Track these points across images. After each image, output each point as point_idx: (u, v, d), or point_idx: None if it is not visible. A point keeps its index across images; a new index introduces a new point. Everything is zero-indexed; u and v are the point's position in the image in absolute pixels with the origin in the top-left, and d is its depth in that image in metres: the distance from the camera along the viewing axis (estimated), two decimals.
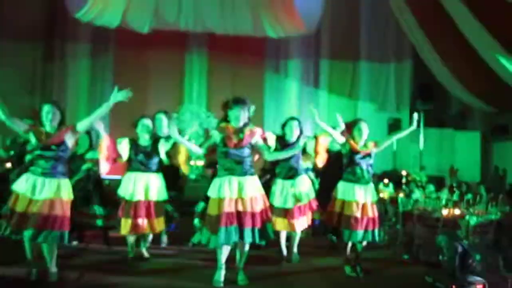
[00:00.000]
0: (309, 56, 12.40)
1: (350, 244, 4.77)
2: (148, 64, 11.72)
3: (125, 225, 4.82)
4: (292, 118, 5.30)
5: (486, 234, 5.75)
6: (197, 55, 12.08)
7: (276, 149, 5.12)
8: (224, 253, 4.19)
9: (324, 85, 12.45)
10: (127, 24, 10.35)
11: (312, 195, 5.21)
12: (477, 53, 9.67)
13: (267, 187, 5.00)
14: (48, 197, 4.05)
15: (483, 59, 9.69)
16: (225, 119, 4.31)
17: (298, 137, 5.19)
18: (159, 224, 4.98)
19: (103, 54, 11.77)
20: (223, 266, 4.21)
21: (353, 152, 4.76)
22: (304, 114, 12.25)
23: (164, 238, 5.74)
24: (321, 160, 5.27)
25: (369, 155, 4.82)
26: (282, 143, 5.16)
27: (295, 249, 5.30)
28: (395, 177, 10.07)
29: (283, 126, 5.29)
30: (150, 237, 5.19)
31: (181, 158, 5.17)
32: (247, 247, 4.26)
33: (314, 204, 5.22)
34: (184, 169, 5.33)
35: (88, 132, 5.97)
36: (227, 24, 10.65)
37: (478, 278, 4.24)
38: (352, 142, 4.81)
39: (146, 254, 5.12)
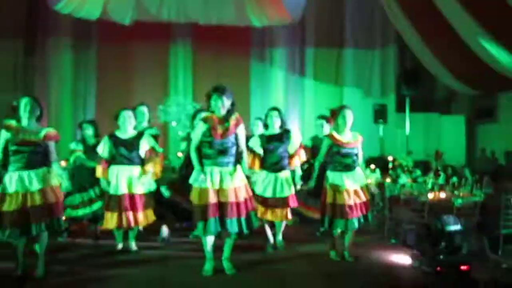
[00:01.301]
0: (294, 44, 12.35)
1: (339, 231, 4.80)
2: (132, 56, 11.57)
3: (111, 219, 4.81)
4: (272, 109, 5.30)
5: (471, 216, 5.84)
6: (181, 46, 11.96)
7: (262, 145, 5.14)
8: (209, 242, 4.21)
9: (310, 73, 12.44)
10: (109, 16, 10.18)
11: (293, 190, 5.21)
12: (461, 37, 9.71)
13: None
14: (39, 188, 4.03)
15: (467, 43, 9.74)
16: (209, 109, 4.29)
17: (281, 128, 5.20)
18: (147, 217, 4.96)
19: (86, 48, 11.58)
20: (212, 256, 4.23)
21: (338, 145, 4.76)
22: (290, 103, 12.28)
23: (165, 233, 5.65)
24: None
25: (355, 147, 4.83)
26: (267, 136, 5.17)
27: (279, 236, 5.33)
28: (382, 163, 10.14)
29: (266, 117, 5.30)
30: (137, 230, 5.18)
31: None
32: (233, 236, 4.28)
33: (294, 200, 5.21)
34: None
35: (94, 124, 5.89)
36: (211, 14, 10.54)
37: (463, 260, 4.30)
38: (336, 136, 4.80)
39: (134, 247, 5.12)
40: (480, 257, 5.07)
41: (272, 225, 5.49)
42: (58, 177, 4.26)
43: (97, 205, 5.43)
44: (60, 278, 4.18)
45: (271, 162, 5.11)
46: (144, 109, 5.74)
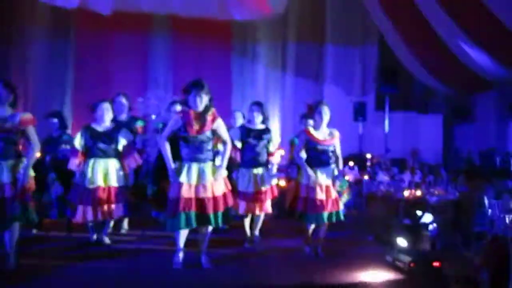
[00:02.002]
0: (275, 40, 12.34)
1: (312, 226, 4.82)
2: (111, 47, 11.36)
3: (85, 212, 4.72)
4: (254, 103, 5.28)
5: (445, 213, 5.93)
6: (161, 37, 11.79)
7: (242, 137, 5.12)
8: (182, 236, 4.17)
9: (291, 68, 12.45)
10: (87, 5, 9.98)
11: (272, 182, 5.23)
12: (440, 38, 9.85)
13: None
14: (11, 180, 3.91)
15: (446, 44, 9.88)
16: (186, 103, 4.23)
17: (263, 123, 5.19)
18: (120, 210, 4.89)
19: (63, 37, 11.31)
20: (182, 249, 4.19)
21: (314, 141, 4.77)
22: (271, 98, 12.27)
23: (125, 224, 5.66)
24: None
25: (331, 144, 4.83)
26: (247, 129, 5.16)
27: (256, 232, 5.34)
28: (360, 160, 10.24)
29: (248, 111, 5.29)
30: (111, 223, 5.11)
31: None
32: (209, 231, 4.26)
33: (275, 191, 5.27)
34: None
35: (60, 115, 5.80)
36: (192, 5, 10.43)
37: (436, 256, 4.36)
38: (312, 132, 4.80)
39: (107, 240, 5.04)
40: (453, 254, 5.16)
41: (252, 220, 5.52)
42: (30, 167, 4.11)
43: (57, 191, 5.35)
44: (31, 270, 4.08)
45: (250, 156, 5.10)
46: (122, 99, 5.63)
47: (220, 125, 4.25)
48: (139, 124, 5.72)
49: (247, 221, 5.33)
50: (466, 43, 9.41)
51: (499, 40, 8.68)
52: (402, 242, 4.58)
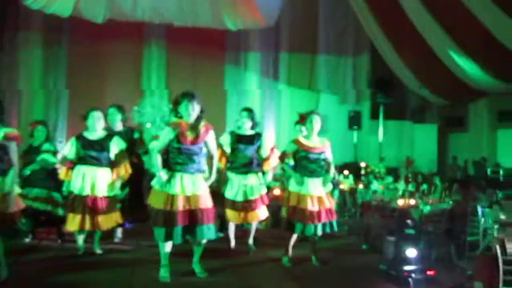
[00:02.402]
0: (268, 49, 12.42)
1: (295, 236, 4.74)
2: (105, 55, 11.38)
3: (73, 221, 4.67)
4: (244, 109, 5.25)
5: (439, 223, 5.93)
6: (155, 46, 11.85)
7: (231, 143, 5.10)
8: (167, 249, 4.08)
9: (284, 77, 12.53)
10: (81, 13, 9.99)
11: (264, 190, 5.18)
12: (432, 49, 9.94)
13: None
14: None
15: (437, 55, 9.98)
16: (177, 115, 4.20)
17: (253, 129, 5.17)
18: (108, 220, 4.83)
19: (57, 45, 11.34)
20: (168, 262, 4.09)
21: (305, 150, 4.76)
22: (266, 106, 12.31)
23: (118, 233, 5.61)
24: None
25: (322, 152, 4.81)
26: (237, 135, 5.14)
27: (250, 241, 5.30)
28: (355, 169, 10.25)
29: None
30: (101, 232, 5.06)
31: (125, 172, 5.02)
32: (203, 241, 4.21)
33: (266, 199, 5.20)
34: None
35: (45, 124, 5.79)
36: (186, 15, 10.48)
37: (430, 265, 4.35)
38: (302, 141, 4.80)
39: (98, 250, 4.98)
40: (447, 263, 5.15)
41: (241, 228, 5.47)
42: (15, 183, 4.04)
43: (61, 211, 5.33)
44: (24, 280, 4.03)
45: (240, 163, 5.07)
46: (115, 110, 5.62)
47: (211, 138, 4.23)
48: (137, 136, 5.68)
49: (231, 229, 5.27)
50: (457, 53, 9.51)
51: (488, 51, 8.77)
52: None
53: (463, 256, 5.72)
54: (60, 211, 5.42)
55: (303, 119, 4.87)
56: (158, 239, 4.06)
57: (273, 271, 4.63)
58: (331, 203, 4.79)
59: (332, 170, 4.91)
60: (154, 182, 4.11)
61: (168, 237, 3.97)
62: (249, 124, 5.12)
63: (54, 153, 5.66)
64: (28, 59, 11.20)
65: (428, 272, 4.20)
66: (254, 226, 5.26)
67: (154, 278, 4.15)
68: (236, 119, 5.88)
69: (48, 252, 5.08)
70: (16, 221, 4.03)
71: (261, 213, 5.15)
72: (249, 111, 5.21)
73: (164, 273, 4.08)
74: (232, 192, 5.06)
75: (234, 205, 5.05)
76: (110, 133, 5.02)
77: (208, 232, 4.06)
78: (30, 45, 11.19)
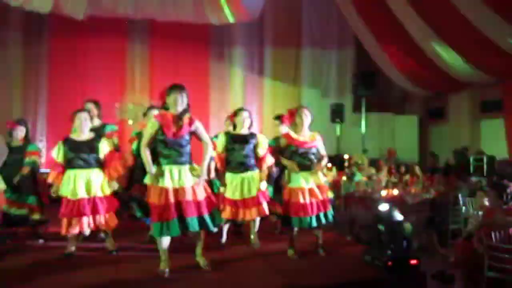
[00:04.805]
0: (252, 44, 12.39)
1: (296, 229, 4.85)
2: (86, 52, 11.20)
3: (69, 224, 4.65)
4: (241, 109, 5.33)
5: (421, 212, 6.06)
6: (138, 42, 11.70)
7: (227, 144, 5.12)
8: (165, 243, 4.14)
9: (268, 72, 12.51)
10: (61, 10, 9.80)
11: (264, 186, 5.21)
12: (414, 40, 10.05)
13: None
14: None
15: (420, 46, 10.10)
16: (163, 106, 4.23)
17: (249, 128, 5.23)
18: (108, 220, 4.83)
19: (37, 43, 11.11)
20: (167, 257, 4.16)
21: (295, 144, 4.82)
22: (249, 102, 12.30)
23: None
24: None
25: (312, 146, 4.88)
26: (232, 135, 5.17)
27: (252, 236, 5.36)
28: (338, 161, 10.33)
29: (233, 117, 5.29)
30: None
31: (118, 172, 4.99)
32: (202, 234, 4.25)
33: (267, 195, 5.25)
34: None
35: (25, 124, 5.74)
36: (168, 10, 10.36)
37: (413, 254, 4.44)
38: (292, 136, 4.85)
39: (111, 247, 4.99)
40: (429, 251, 5.27)
41: (240, 224, 5.55)
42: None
43: (37, 216, 5.32)
44: (10, 281, 3.99)
45: (237, 162, 5.11)
46: (90, 105, 5.60)
47: (198, 127, 4.24)
48: (110, 130, 5.70)
49: (226, 227, 5.36)
50: (438, 44, 9.64)
51: (469, 41, 8.92)
52: (379, 241, 4.62)
53: (445, 244, 5.85)
54: (36, 216, 5.41)
55: (292, 114, 4.93)
56: (154, 234, 4.09)
57: (258, 266, 4.68)
58: (324, 195, 4.87)
59: (324, 161, 4.96)
60: (146, 179, 4.14)
61: (163, 231, 4.00)
62: (248, 123, 5.20)
63: (39, 154, 5.63)
64: (7, 57, 10.97)
65: (412, 261, 4.29)
66: (256, 222, 5.32)
67: (139, 275, 4.17)
68: (226, 118, 5.95)
69: (32, 253, 5.03)
70: None
71: (262, 209, 5.16)
72: (248, 111, 5.31)
73: (163, 268, 4.10)
74: (230, 191, 5.09)
75: (232, 203, 5.07)
76: (97, 134, 5.01)
77: (197, 224, 4.09)
78: (9, 43, 10.96)
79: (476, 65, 9.56)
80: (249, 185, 5.09)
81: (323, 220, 4.82)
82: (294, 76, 12.67)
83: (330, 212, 4.92)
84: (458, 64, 9.82)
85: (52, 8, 9.73)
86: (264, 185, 5.17)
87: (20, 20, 10.86)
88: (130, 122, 10.72)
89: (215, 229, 4.28)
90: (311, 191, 4.78)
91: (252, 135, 5.22)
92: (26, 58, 11.11)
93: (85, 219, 4.65)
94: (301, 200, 4.71)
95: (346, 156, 10.05)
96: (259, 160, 5.20)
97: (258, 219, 5.32)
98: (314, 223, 4.77)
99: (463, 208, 6.04)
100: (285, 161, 4.85)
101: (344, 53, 12.82)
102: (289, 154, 4.84)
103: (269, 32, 12.36)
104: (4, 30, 10.86)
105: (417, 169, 8.35)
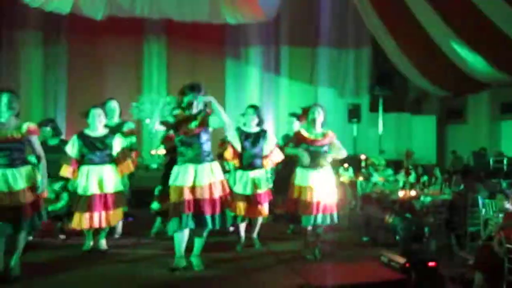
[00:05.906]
0: (269, 43, 12.37)
1: (310, 228, 4.83)
2: (104, 52, 11.37)
3: (80, 220, 4.71)
4: (250, 106, 5.27)
5: (440, 214, 5.96)
6: (155, 42, 11.82)
7: (239, 137, 5.11)
8: (182, 240, 4.16)
9: (285, 71, 12.49)
10: (80, 10, 9.95)
11: (269, 185, 5.23)
12: (433, 40, 9.92)
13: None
14: (24, 187, 3.89)
15: (439, 46, 9.96)
16: (180, 105, 4.25)
17: (258, 125, 5.18)
18: (116, 216, 4.88)
19: (56, 42, 11.31)
20: (183, 254, 4.19)
21: (306, 143, 4.79)
22: (265, 101, 12.29)
23: (119, 229, 5.64)
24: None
25: (324, 144, 4.85)
26: (243, 132, 5.16)
27: (254, 235, 5.34)
28: (355, 162, 10.25)
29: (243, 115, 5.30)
30: (108, 228, 5.10)
31: (129, 168, 5.03)
32: (205, 234, 4.27)
33: (270, 195, 5.23)
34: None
35: (53, 122, 5.77)
36: (185, 10, 10.43)
37: (431, 256, 4.38)
38: (303, 134, 4.83)
39: (104, 246, 5.02)
40: (448, 254, 5.19)
41: (249, 224, 5.52)
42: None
43: (61, 203, 5.33)
44: (31, 278, 4.06)
45: (247, 159, 5.09)
46: (113, 104, 5.67)
47: (213, 120, 4.20)
48: (128, 128, 5.76)
49: (243, 225, 5.31)
50: (458, 44, 9.50)
51: (491, 42, 8.76)
52: (397, 242, 4.59)
53: (464, 246, 5.76)
54: (59, 204, 5.42)
55: (306, 112, 4.90)
56: (169, 232, 4.12)
57: (272, 265, 4.67)
58: (332, 196, 4.83)
59: (341, 153, 4.91)
60: (170, 180, 4.20)
61: (177, 226, 4.03)
62: (255, 121, 5.12)
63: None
64: (27, 57, 11.16)
65: (430, 264, 4.24)
66: (259, 220, 5.29)
67: (155, 271, 4.20)
68: (240, 115, 5.91)
69: (52, 249, 5.11)
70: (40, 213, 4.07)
71: (265, 208, 5.17)
72: (255, 108, 5.21)
73: (177, 264, 4.14)
74: (239, 186, 5.05)
75: (241, 199, 5.04)
76: (111, 129, 5.07)
77: (211, 222, 4.11)
78: (29, 43, 11.16)
79: (498, 66, 9.39)
80: (256, 183, 5.06)
81: (328, 221, 4.78)
82: (310, 76, 12.62)
83: (336, 214, 4.87)
84: (478, 65, 9.67)
85: (71, 9, 9.87)
86: (265, 185, 5.15)
87: (39, 21, 11.03)
88: (148, 121, 10.80)
89: (231, 228, 4.30)
90: (320, 191, 4.74)
91: (263, 133, 5.14)
92: (45, 58, 11.31)
93: (96, 215, 4.70)
94: (309, 199, 4.68)
95: (363, 157, 9.97)
96: (262, 158, 5.16)
97: (260, 219, 5.28)
98: (319, 221, 4.73)
99: (483, 210, 5.93)
100: (297, 152, 4.79)
101: (361, 53, 12.72)
102: (304, 149, 4.83)
103: (285, 31, 12.33)
104: (24, 30, 11.04)
105: (436, 170, 8.24)
